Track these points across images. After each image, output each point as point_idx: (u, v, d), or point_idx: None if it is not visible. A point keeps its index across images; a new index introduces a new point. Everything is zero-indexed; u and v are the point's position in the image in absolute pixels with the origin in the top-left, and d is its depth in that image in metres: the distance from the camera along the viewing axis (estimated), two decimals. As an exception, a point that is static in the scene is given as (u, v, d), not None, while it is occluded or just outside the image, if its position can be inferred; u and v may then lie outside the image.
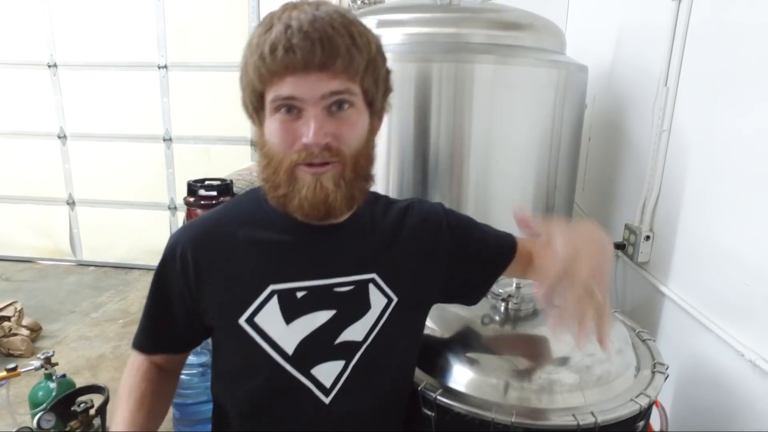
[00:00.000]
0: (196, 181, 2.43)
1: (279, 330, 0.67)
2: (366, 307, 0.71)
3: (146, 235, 3.61)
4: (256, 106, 0.64)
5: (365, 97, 0.65)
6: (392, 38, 1.35)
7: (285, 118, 0.61)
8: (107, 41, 3.35)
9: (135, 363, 0.75)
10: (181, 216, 3.42)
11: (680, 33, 1.32)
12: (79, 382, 2.30)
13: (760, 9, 1.05)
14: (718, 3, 1.20)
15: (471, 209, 1.37)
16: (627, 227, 1.52)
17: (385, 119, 1.32)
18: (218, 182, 2.14)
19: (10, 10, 3.36)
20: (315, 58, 0.58)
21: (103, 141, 3.48)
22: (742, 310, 1.06)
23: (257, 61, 0.59)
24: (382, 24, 1.38)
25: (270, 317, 0.67)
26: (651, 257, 1.44)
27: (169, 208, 3.58)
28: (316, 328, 0.68)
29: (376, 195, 0.79)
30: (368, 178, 0.69)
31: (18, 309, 2.61)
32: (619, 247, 1.54)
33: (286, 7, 0.62)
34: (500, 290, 0.93)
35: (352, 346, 0.70)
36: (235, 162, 3.03)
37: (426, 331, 0.86)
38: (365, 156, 0.67)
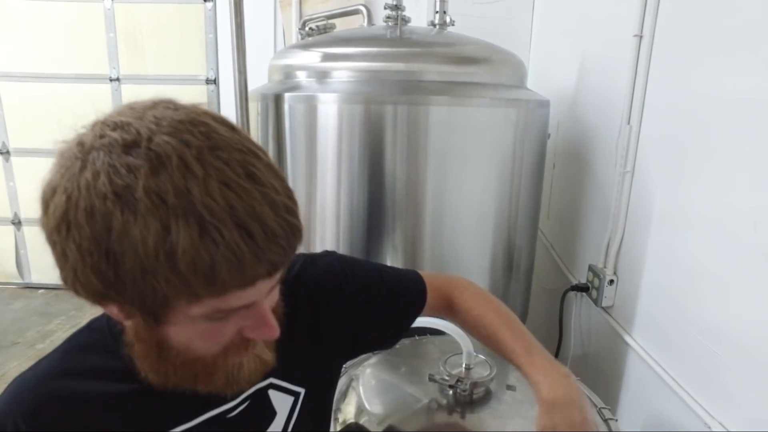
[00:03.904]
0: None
1: None
2: (271, 414, 0.62)
3: (100, 256, 3.43)
4: (152, 311, 0.43)
5: None
6: (339, 75, 1.24)
7: (215, 323, 0.46)
8: (52, 51, 3.14)
9: None
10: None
11: (642, 70, 1.26)
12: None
13: (724, 51, 0.99)
14: (679, 41, 1.14)
15: (428, 256, 1.29)
16: (591, 269, 1.45)
17: (334, 167, 1.25)
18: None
19: (-57, 17, 3.12)
20: (285, 261, 0.45)
21: (50, 158, 3.25)
22: (708, 376, 1.00)
23: (196, 276, 0.39)
24: (327, 58, 1.27)
25: None
26: (615, 302, 1.38)
27: (124, 227, 3.40)
28: None
29: None
30: None
31: (-48, 345, 2.41)
32: (583, 289, 1.47)
33: (207, 183, 0.39)
34: (448, 374, 0.84)
35: None
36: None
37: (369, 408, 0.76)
38: None
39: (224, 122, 0.44)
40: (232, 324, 0.47)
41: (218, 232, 0.38)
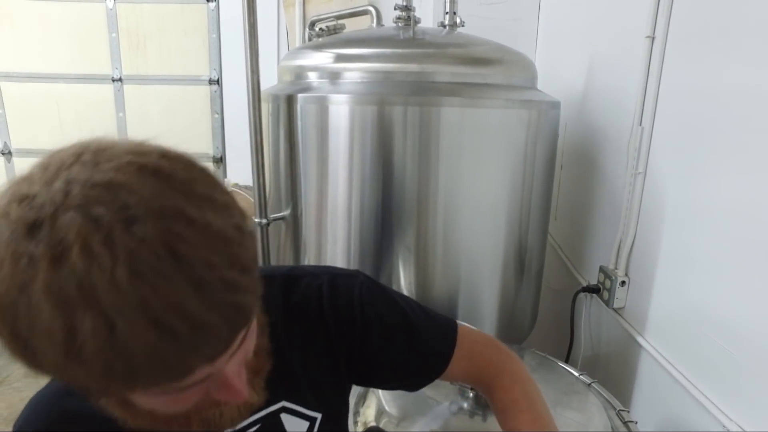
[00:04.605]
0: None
1: None
2: None
3: (102, 257, 3.42)
4: (95, 394, 0.44)
5: None
6: (351, 76, 1.24)
7: (173, 394, 0.42)
8: (54, 52, 3.14)
9: None
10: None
11: (654, 71, 1.26)
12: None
13: (738, 51, 0.99)
14: (692, 42, 1.14)
15: (440, 257, 1.28)
16: (602, 270, 1.45)
17: (346, 167, 1.25)
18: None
19: (-55, 17, 3.11)
20: (230, 345, 0.39)
21: (52, 158, 3.26)
22: (724, 377, 1.00)
23: (114, 380, 0.35)
24: (339, 59, 1.27)
25: None
26: (627, 303, 1.38)
27: (127, 228, 3.39)
28: None
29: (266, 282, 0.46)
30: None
31: (-46, 347, 2.40)
32: (594, 290, 1.47)
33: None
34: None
35: None
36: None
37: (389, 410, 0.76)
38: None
39: (157, 172, 0.36)
40: (194, 392, 0.42)
41: (130, 333, 0.32)
